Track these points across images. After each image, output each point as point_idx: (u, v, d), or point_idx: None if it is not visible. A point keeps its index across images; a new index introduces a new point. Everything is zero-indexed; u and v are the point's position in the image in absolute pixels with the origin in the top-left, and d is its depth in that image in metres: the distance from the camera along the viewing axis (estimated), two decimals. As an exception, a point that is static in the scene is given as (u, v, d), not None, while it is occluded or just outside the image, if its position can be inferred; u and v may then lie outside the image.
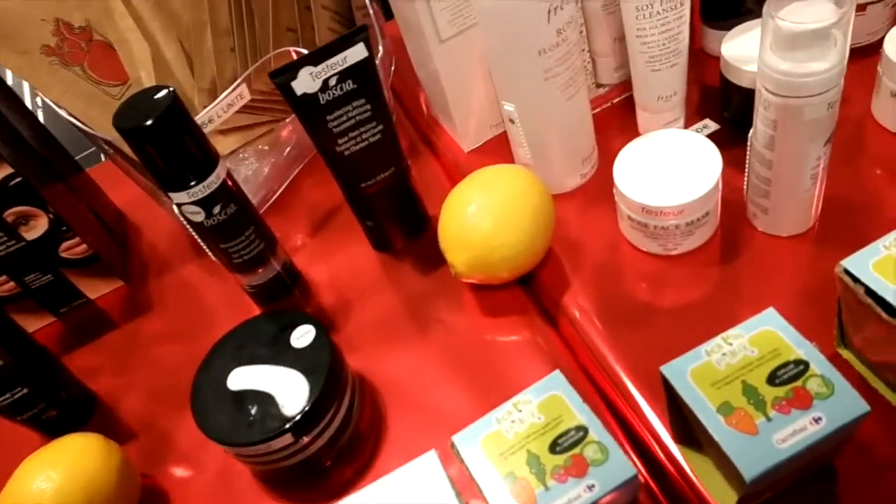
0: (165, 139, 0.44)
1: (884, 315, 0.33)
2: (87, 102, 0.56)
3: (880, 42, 0.51)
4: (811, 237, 0.47)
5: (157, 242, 0.66)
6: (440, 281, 0.54)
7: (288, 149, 0.63)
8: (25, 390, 0.48)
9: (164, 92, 0.44)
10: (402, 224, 0.56)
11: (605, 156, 0.55)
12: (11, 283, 0.57)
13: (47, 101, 0.55)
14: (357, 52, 0.45)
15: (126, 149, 0.54)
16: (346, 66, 0.45)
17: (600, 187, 0.54)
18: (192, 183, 0.46)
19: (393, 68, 0.66)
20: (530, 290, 0.51)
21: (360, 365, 0.50)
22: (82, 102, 0.55)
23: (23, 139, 0.57)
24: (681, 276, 0.48)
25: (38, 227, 0.55)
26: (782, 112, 0.39)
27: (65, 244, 0.57)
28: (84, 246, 0.58)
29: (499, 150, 0.59)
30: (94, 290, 0.61)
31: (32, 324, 0.60)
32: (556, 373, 0.36)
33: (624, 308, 0.47)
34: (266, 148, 0.62)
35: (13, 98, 0.59)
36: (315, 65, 0.44)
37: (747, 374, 0.33)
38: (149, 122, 0.42)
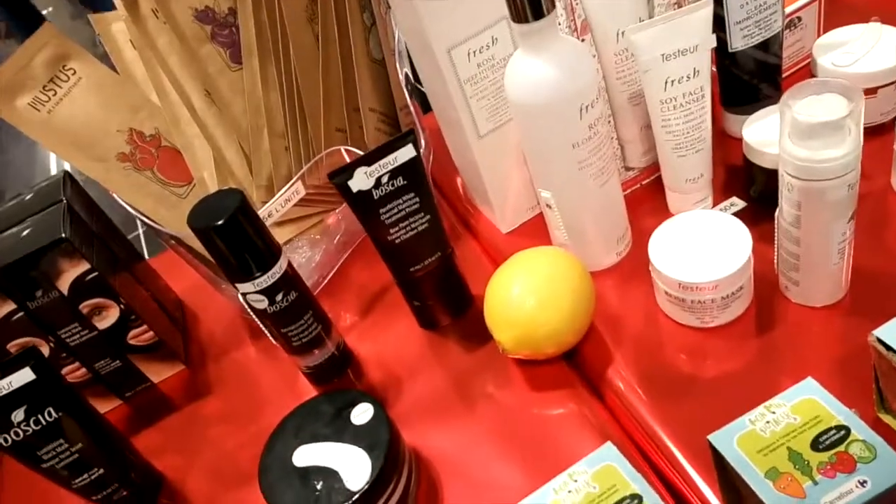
0: (234, 236, 0.48)
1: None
2: (156, 202, 0.61)
3: (894, 121, 0.55)
4: (843, 307, 0.49)
5: (213, 328, 0.70)
6: (486, 357, 0.56)
7: (338, 236, 0.67)
8: (101, 471, 0.51)
9: (233, 194, 0.48)
10: (447, 303, 0.59)
11: (639, 234, 0.58)
12: (83, 370, 0.61)
13: (119, 200, 0.60)
14: (406, 153, 0.50)
15: (192, 243, 0.59)
16: (396, 164, 0.49)
17: (635, 264, 0.57)
18: (258, 274, 0.50)
19: (431, 158, 0.71)
20: (574, 364, 0.54)
21: (414, 440, 0.52)
22: (152, 202, 0.61)
23: (95, 234, 0.62)
24: (719, 348, 0.50)
25: (109, 317, 0.59)
26: (805, 194, 0.42)
27: (133, 332, 0.61)
28: (150, 333, 0.62)
29: (535, 231, 0.62)
30: (158, 374, 0.65)
31: (100, 408, 0.64)
32: (608, 444, 0.38)
33: (666, 379, 0.49)
34: (318, 237, 0.66)
35: (85, 196, 0.64)
36: (369, 165, 0.49)
37: (791, 440, 0.35)
38: (220, 222, 0.47)
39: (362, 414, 0.48)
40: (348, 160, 0.62)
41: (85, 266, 0.56)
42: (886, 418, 0.42)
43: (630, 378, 0.50)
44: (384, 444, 0.45)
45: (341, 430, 0.47)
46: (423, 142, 0.65)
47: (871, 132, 0.58)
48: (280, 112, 0.61)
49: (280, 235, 0.64)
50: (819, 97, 0.40)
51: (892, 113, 0.57)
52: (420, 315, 0.60)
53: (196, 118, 0.61)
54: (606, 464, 0.37)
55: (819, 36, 0.65)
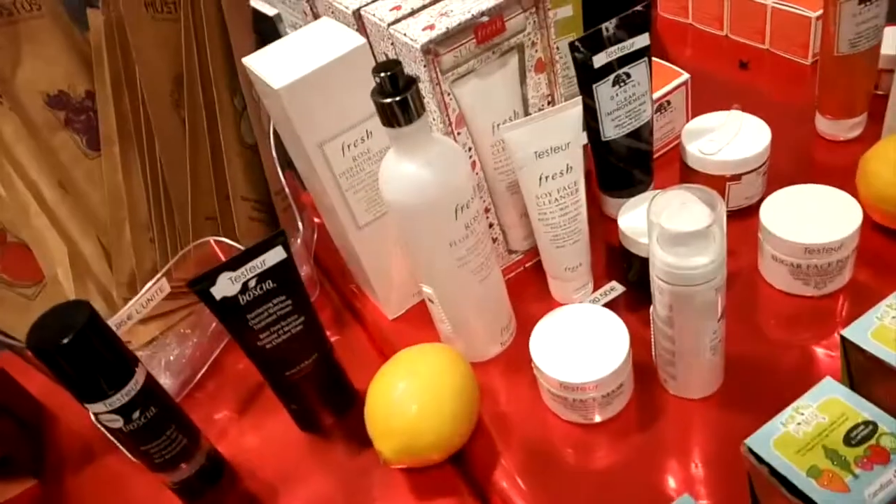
0: (82, 355, 0.43)
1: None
2: (-1, 305, 0.55)
3: (757, 204, 0.57)
4: (719, 398, 0.49)
5: (76, 430, 0.64)
6: (371, 461, 0.53)
7: (212, 326, 0.63)
8: None
9: (79, 306, 0.44)
10: (328, 403, 0.56)
11: (523, 319, 0.57)
12: None
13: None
14: (275, 255, 0.47)
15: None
16: (265, 268, 0.46)
17: (521, 352, 0.55)
18: (110, 393, 0.45)
19: (315, 237, 0.68)
20: (461, 465, 0.52)
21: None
22: (-6, 305, 0.55)
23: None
24: (604, 443, 0.49)
25: (-58, 438, 0.52)
26: (675, 297, 0.42)
27: (-28, 451, 0.54)
28: (-6, 451, 0.55)
29: (422, 315, 0.60)
30: (2, 493, 0.58)
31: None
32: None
33: (553, 478, 0.48)
34: (188, 331, 0.61)
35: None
36: (234, 269, 0.46)
37: (825, 438, 0.35)
38: (65, 341, 0.42)
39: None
40: (219, 251, 0.59)
41: None
42: (763, 519, 0.42)
43: (517, 478, 0.48)
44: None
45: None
46: (300, 226, 0.62)
47: (737, 215, 0.60)
48: (143, 202, 0.57)
49: (144, 333, 0.59)
50: (683, 206, 0.40)
51: (756, 196, 0.59)
52: (299, 418, 0.56)
53: (47, 211, 0.56)
54: None
55: (688, 117, 0.67)
